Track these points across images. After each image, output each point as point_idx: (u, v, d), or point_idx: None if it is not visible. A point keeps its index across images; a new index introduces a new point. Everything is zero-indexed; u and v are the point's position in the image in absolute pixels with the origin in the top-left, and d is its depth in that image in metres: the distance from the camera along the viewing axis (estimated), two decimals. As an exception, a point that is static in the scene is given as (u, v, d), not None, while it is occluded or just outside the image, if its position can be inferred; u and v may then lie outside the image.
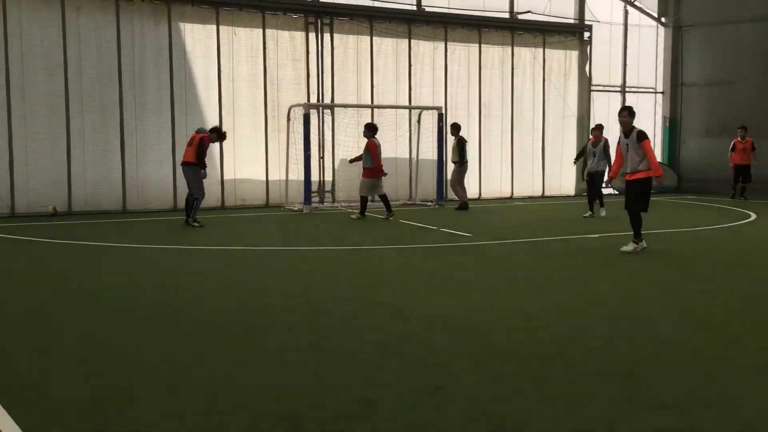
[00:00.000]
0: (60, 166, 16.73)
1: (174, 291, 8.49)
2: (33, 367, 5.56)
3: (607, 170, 15.83)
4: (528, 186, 22.41)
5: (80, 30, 16.77)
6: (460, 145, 18.50)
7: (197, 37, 18.05)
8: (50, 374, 5.38)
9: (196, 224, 14.35)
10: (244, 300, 7.98)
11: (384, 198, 16.31)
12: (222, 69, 18.26)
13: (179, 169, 17.32)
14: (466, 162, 18.68)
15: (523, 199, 21.86)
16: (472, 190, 21.48)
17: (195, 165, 14.51)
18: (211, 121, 18.08)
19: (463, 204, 18.32)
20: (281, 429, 4.38)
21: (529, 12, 22.15)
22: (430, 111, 19.94)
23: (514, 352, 6.02)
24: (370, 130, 16.26)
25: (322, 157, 19.40)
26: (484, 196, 21.59)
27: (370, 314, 7.34)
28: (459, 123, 18.99)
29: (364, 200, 16.26)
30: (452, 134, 18.73)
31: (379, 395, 4.95)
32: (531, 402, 4.85)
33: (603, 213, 16.56)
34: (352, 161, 17.24)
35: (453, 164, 18.76)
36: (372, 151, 16.05)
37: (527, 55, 22.17)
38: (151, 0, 17.45)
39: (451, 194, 20.00)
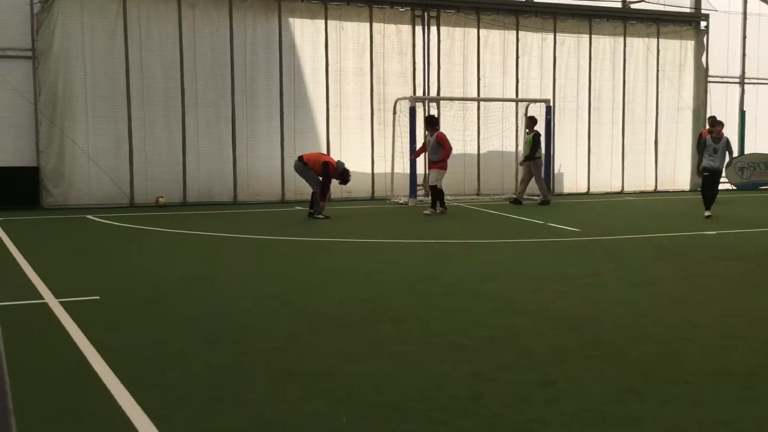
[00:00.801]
0: (175, 158, 17.36)
1: (283, 281, 8.68)
2: (153, 352, 5.80)
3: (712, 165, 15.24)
4: (640, 180, 21.78)
5: (195, 27, 17.34)
6: (536, 139, 17.87)
7: (306, 32, 18.37)
8: (170, 359, 5.60)
9: (320, 217, 14.54)
10: (351, 291, 8.08)
11: (441, 193, 15.89)
12: (329, 63, 18.52)
13: (287, 161, 17.75)
14: (539, 157, 17.97)
15: (635, 193, 21.27)
16: (580, 184, 21.09)
17: (310, 170, 14.62)
18: (319, 115, 18.40)
19: (545, 200, 17.89)
20: (390, 419, 4.42)
21: (642, 1, 21.50)
22: (538, 103, 19.64)
23: (626, 350, 5.88)
24: (436, 123, 16.23)
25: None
26: (593, 190, 21.13)
27: (478, 308, 7.31)
28: (536, 116, 18.42)
29: (439, 192, 15.76)
30: (528, 127, 18.13)
31: (487, 389, 4.92)
32: (644, 402, 4.73)
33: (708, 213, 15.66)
34: (415, 156, 16.95)
35: (525, 159, 17.94)
36: (446, 143, 15.91)
37: (640, 46, 21.53)
38: (262, -4, 17.87)
39: (558, 188, 19.67)
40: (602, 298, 7.76)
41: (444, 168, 16.00)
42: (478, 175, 19.97)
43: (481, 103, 19.75)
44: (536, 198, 19.02)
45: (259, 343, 6.06)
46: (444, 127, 19.39)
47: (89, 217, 14.83)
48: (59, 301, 7.33)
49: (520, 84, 20.33)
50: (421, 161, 18.70)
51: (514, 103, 20.05)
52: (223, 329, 6.48)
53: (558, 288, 8.27)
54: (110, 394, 4.78)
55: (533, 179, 17.98)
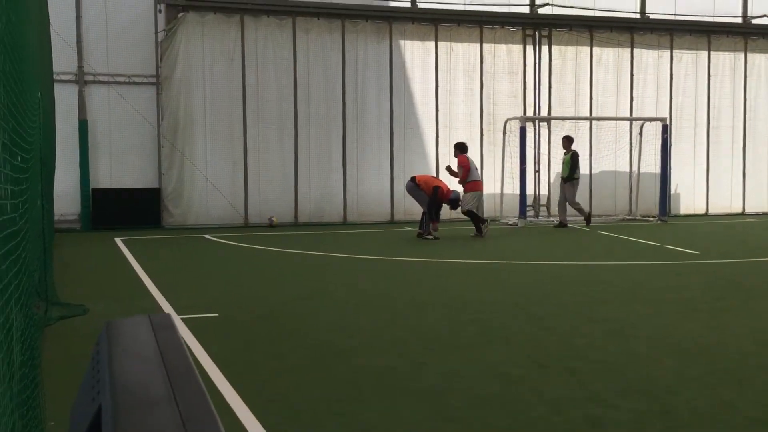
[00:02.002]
0: (288, 179, 17.79)
1: (393, 300, 8.74)
2: (270, 368, 5.94)
3: None
4: (762, 201, 20.85)
5: (309, 50, 17.78)
6: (575, 159, 17.20)
7: (416, 53, 18.54)
8: (285, 374, 5.73)
9: (430, 237, 14.62)
10: (461, 311, 8.06)
11: (472, 214, 15.24)
12: (439, 84, 18.61)
13: (396, 182, 17.92)
14: (576, 178, 17.28)
15: (756, 215, 20.36)
16: (698, 205, 20.37)
17: (422, 191, 14.70)
18: (428, 136, 18.51)
19: (563, 223, 17.13)
20: (504, 442, 4.38)
21: (764, 16, 20.67)
22: (653, 122, 19.12)
23: (750, 380, 5.62)
24: (462, 149, 15.42)
25: (537, 171, 19.20)
26: (711, 211, 20.35)
27: (591, 331, 7.15)
28: (572, 136, 17.61)
29: (473, 215, 15.21)
30: (565, 147, 17.41)
31: (606, 415, 4.81)
32: (772, 433, 4.51)
33: None
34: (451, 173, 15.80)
35: (564, 180, 17.22)
36: (464, 165, 15.13)
37: (762, 62, 20.70)
38: (374, 19, 18.16)
39: (674, 209, 19.09)
40: (725, 325, 7.45)
41: (474, 189, 15.24)
42: (590, 195, 19.58)
43: (594, 122, 19.39)
44: (651, 219, 18.51)
45: (371, 360, 6.12)
46: (555, 147, 19.17)
47: (206, 236, 15.36)
48: (181, 317, 7.61)
49: (634, 102, 19.86)
50: (531, 181, 18.48)
51: (628, 123, 19.59)
52: (335, 346, 6.57)
53: (676, 312, 8.00)
54: (231, 408, 4.93)
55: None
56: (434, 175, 17.62)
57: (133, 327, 0.98)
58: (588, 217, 17.44)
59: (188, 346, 6.26)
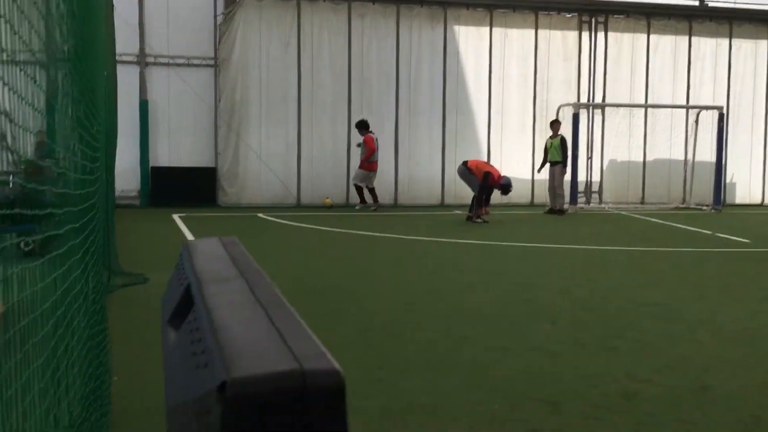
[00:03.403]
0: (340, 162, 18.07)
1: (440, 280, 8.94)
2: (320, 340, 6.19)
3: None
4: (819, 192, 20.48)
5: (364, 35, 17.99)
6: (564, 144, 16.88)
7: (470, 39, 18.61)
8: (331, 347, 5.97)
9: (479, 221, 14.80)
10: (508, 292, 8.22)
11: (372, 191, 17.04)
12: (493, 69, 18.66)
13: (448, 167, 18.07)
14: (566, 164, 17.03)
15: (815, 206, 20.02)
16: (754, 195, 20.11)
17: (473, 175, 14.91)
18: (480, 121, 18.60)
19: (558, 209, 16.88)
20: (544, 412, 4.56)
21: (828, 2, 20.22)
22: (710, 111, 18.90)
23: (791, 363, 5.70)
24: (366, 126, 17.00)
25: (590, 158, 19.15)
26: (767, 202, 20.06)
27: (635, 313, 7.26)
28: (559, 119, 17.08)
29: (360, 190, 17.09)
30: (553, 130, 16.96)
31: (641, 390, 4.95)
32: (806, 412, 4.61)
33: None
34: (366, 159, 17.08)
35: (554, 165, 16.92)
36: (370, 143, 16.84)
37: (824, 50, 20.26)
38: (429, 4, 18.28)
39: (729, 198, 18.89)
40: (766, 311, 7.49)
41: (370, 169, 16.98)
42: (643, 183, 19.46)
43: (649, 110, 19.24)
44: (705, 208, 18.35)
45: (417, 335, 6.34)
46: (609, 134, 19.10)
47: (259, 215, 15.74)
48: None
49: (691, 91, 19.64)
50: (583, 168, 18.42)
51: (684, 111, 19.39)
52: (382, 321, 6.81)
53: (720, 298, 8.05)
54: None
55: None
56: (486, 160, 17.72)
57: (206, 242, 1.21)
58: (560, 211, 16.99)
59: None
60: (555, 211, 16.98)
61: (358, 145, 17.13)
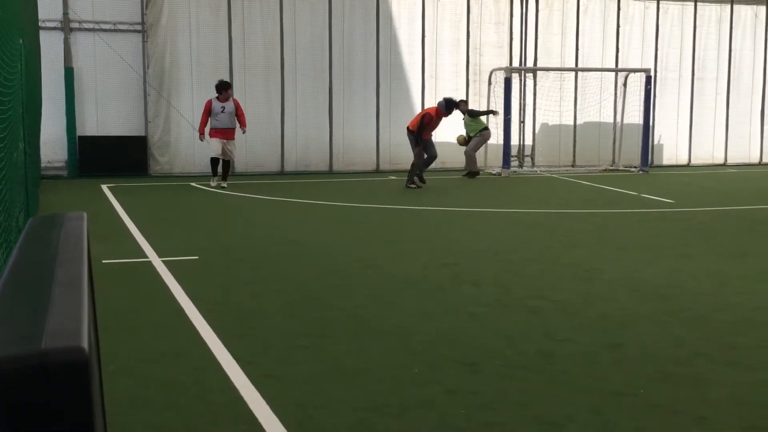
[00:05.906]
0: (274, 129, 17.91)
1: (370, 246, 9.00)
2: (244, 306, 6.21)
3: None
4: (744, 152, 21.10)
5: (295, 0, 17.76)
6: (473, 113, 17.33)
7: (402, 4, 18.53)
8: (259, 313, 6.00)
9: (413, 186, 14.86)
10: (436, 257, 8.32)
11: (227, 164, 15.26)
12: (426, 34, 18.65)
13: (382, 132, 18.09)
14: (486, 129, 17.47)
15: (738, 166, 20.63)
16: (681, 156, 20.63)
17: (412, 133, 15.00)
18: (414, 86, 18.61)
19: (472, 172, 17.34)
20: (462, 373, 4.66)
21: (751, -34, 20.69)
22: (638, 74, 19.25)
23: (702, 318, 5.92)
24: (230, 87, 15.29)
25: (522, 122, 19.36)
26: (694, 162, 20.61)
27: (557, 275, 7.43)
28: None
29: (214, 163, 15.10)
30: (464, 111, 17.18)
31: (558, 349, 5.10)
32: (713, 365, 4.81)
33: None
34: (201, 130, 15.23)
35: (479, 133, 17.29)
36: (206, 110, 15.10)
37: (748, 13, 20.75)
38: (360, -32, 18.11)
39: (657, 160, 19.34)
40: (687, 268, 7.73)
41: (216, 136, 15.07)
42: (574, 146, 19.79)
43: (579, 73, 19.51)
44: (633, 169, 18.75)
45: (344, 301, 6.39)
46: (540, 98, 19.33)
47: (192, 184, 15.54)
48: (162, 260, 7.86)
49: (620, 54, 19.96)
50: (515, 132, 18.62)
51: (613, 74, 19.71)
52: (312, 288, 6.84)
53: (641, 257, 8.29)
54: (203, 340, 5.20)
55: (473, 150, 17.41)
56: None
57: (46, 219, 1.20)
58: (473, 173, 17.28)
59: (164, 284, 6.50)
60: (471, 173, 17.25)
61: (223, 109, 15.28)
